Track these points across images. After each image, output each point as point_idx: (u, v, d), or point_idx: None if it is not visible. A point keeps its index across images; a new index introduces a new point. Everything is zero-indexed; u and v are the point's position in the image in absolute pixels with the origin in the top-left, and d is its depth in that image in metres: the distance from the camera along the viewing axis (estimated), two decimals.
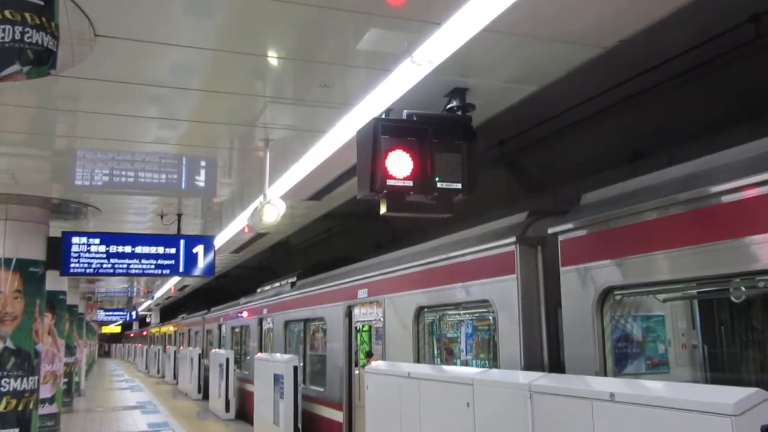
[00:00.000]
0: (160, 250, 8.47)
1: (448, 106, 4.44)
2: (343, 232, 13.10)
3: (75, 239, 8.13)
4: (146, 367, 34.08)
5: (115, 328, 48.54)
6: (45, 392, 10.39)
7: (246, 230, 9.19)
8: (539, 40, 3.77)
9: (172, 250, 8.53)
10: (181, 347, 23.73)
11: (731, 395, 2.86)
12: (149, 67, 4.22)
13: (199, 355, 18.84)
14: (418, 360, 6.24)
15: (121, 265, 8.28)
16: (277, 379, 9.45)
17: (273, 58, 4.12)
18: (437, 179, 4.04)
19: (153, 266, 8.42)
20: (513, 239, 4.85)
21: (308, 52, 4.03)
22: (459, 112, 4.40)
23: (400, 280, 6.70)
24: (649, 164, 5.36)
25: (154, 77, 4.38)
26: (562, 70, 4.21)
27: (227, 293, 21.76)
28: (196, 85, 4.54)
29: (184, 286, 20.72)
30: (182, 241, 8.63)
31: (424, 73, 4.17)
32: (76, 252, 8.11)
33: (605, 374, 4.01)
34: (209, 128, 5.43)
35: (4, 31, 2.84)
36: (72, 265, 8.09)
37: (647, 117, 6.20)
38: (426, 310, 6.28)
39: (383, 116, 4.14)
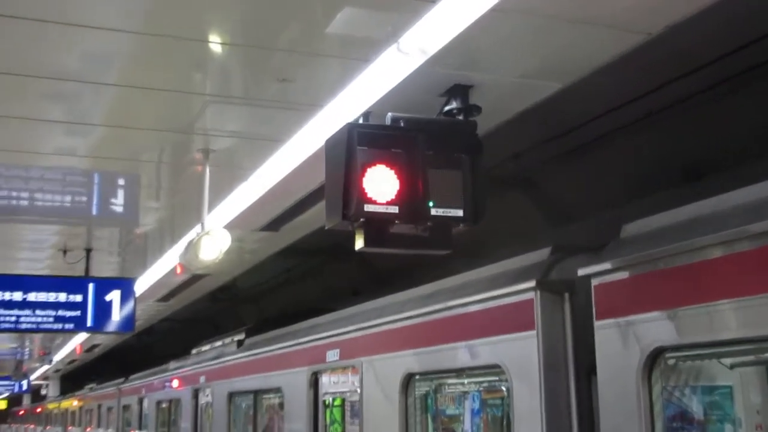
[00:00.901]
0: (62, 297, 8.37)
1: (446, 109, 4.47)
2: (307, 273, 13.04)
3: None
4: None
5: None
6: None
7: (178, 270, 9.12)
8: (565, 23, 3.81)
9: (78, 298, 8.43)
10: (89, 429, 23.34)
11: None
12: (52, 55, 4.21)
13: None
14: None
15: (7, 318, 8.15)
16: None
17: (216, 44, 4.13)
18: (431, 204, 4.05)
19: (51, 319, 8.31)
20: (532, 284, 4.85)
21: (262, 37, 4.04)
22: (460, 116, 4.42)
23: (384, 337, 6.67)
24: (709, 185, 5.40)
25: (58, 68, 4.36)
26: (595, 63, 4.26)
27: (152, 355, 21.49)
28: (115, 78, 4.54)
29: (94, 346, 20.46)
30: (91, 285, 8.54)
31: (414, 65, 4.20)
32: None
33: None
34: (130, 135, 5.42)
35: None
36: None
37: (706, 125, 6.27)
38: (418, 377, 6.24)
39: (360, 121, 4.15)
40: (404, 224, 4.02)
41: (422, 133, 4.11)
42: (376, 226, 4.00)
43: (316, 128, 5.15)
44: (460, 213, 4.10)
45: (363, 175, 3.93)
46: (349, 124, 4.05)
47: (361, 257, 10.72)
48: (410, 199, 4.00)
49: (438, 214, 4.07)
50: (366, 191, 3.92)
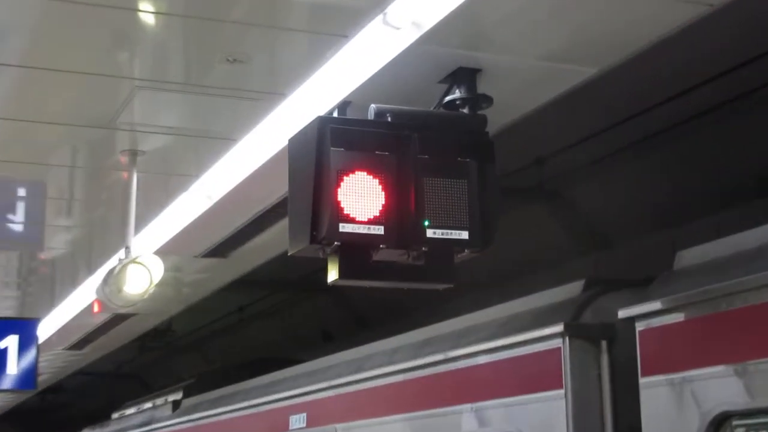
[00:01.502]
0: None
1: (447, 99, 4.48)
2: (264, 313, 13.03)
3: None
4: None
5: None
6: None
7: (95, 309, 9.08)
8: None
9: None
10: None
11: None
12: None
13: None
14: None
15: None
16: None
17: (147, 14, 4.12)
18: (427, 224, 4.04)
19: None
20: (559, 328, 4.86)
21: (207, 5, 4.04)
22: (465, 109, 4.43)
23: (365, 397, 6.65)
24: None
25: None
26: (639, 42, 4.27)
27: (61, 420, 21.40)
28: (16, 58, 4.53)
29: None
30: None
31: (405, 42, 4.20)
32: None
33: None
34: (34, 130, 5.40)
35: None
36: None
37: None
38: None
39: (335, 114, 4.15)
40: (392, 250, 4.01)
41: (416, 130, 4.11)
42: (355, 252, 3.98)
43: (277, 123, 5.15)
44: (464, 235, 4.09)
45: (338, 186, 3.92)
46: (320, 117, 4.04)
47: (335, 293, 10.70)
48: (400, 217, 3.99)
49: (436, 236, 4.05)
50: (342, 206, 3.91)
